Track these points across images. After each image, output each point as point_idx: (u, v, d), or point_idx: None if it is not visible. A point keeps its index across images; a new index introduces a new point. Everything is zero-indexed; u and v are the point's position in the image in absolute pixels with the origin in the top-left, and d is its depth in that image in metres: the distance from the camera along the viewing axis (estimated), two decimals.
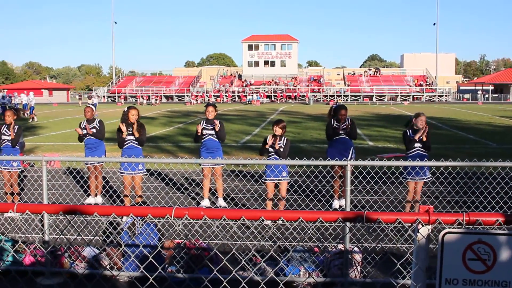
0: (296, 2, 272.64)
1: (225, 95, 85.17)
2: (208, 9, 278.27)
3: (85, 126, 11.49)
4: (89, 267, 6.92)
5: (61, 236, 8.61)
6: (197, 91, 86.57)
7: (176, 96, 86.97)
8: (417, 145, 9.56)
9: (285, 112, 48.82)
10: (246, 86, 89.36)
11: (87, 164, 11.43)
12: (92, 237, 8.60)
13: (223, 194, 11.30)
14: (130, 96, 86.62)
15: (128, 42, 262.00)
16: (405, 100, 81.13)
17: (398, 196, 11.44)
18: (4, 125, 10.96)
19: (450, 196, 11.19)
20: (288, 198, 10.67)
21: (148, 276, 3.77)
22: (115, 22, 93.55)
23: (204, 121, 10.94)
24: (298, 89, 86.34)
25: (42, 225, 9.11)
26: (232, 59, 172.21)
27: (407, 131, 9.80)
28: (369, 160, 10.48)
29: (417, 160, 9.30)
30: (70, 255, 7.10)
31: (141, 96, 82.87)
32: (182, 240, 7.22)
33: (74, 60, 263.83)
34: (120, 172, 10.09)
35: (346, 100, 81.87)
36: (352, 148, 10.84)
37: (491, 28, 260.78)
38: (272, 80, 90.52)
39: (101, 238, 8.51)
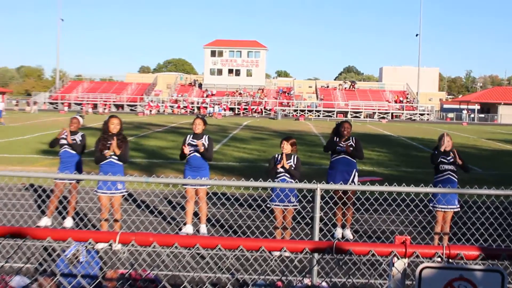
0: (266, 6, 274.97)
1: (183, 106, 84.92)
2: (167, 9, 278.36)
3: (66, 135, 11.32)
4: None
5: None
6: (152, 100, 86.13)
7: (127, 105, 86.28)
8: (449, 167, 9.72)
9: (250, 127, 48.94)
10: (207, 96, 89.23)
11: (56, 180, 11.12)
12: (23, 265, 8.38)
13: (206, 221, 11.13)
14: (75, 103, 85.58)
15: (76, 42, 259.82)
16: (383, 117, 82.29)
17: (381, 225, 11.52)
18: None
19: (430, 226, 11.28)
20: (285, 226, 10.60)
21: None
22: (62, 19, 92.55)
23: (191, 136, 10.86)
24: (265, 101, 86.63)
25: None
26: (192, 66, 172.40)
27: (434, 152, 9.93)
28: (341, 184, 10.62)
29: (448, 187, 9.45)
30: None
31: (87, 104, 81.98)
32: (127, 270, 7.10)
33: (12, 60, 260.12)
34: (95, 192, 9.88)
35: (318, 116, 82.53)
36: (355, 170, 10.88)
37: (478, 43, 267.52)
38: (237, 91, 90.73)
39: (33, 266, 8.30)
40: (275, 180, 9.61)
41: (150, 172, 17.38)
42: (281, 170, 9.66)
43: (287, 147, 9.75)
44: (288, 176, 9.65)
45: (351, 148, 10.80)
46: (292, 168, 9.63)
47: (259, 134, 39.68)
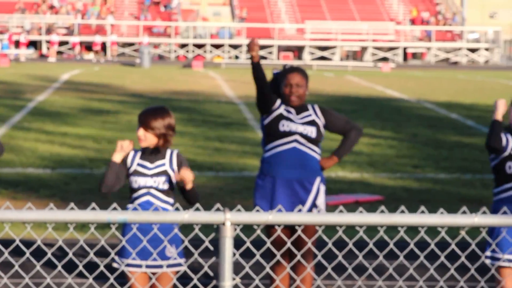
0: None
1: None
2: None
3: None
4: None
5: None
6: None
7: None
8: None
9: (78, 87, 26.95)
10: None
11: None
12: None
13: None
14: None
15: None
16: (385, 59, 45.05)
17: None
18: None
19: None
20: None
21: None
22: None
23: None
24: (112, 26, 48.76)
25: None
26: None
27: (499, 135, 4.82)
28: (280, 210, 4.65)
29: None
30: None
31: None
32: None
33: None
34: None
35: (237, 58, 45.24)
36: (318, 179, 5.36)
37: None
38: (44, 1, 50.48)
39: None
40: (129, 206, 4.50)
41: None
42: (143, 184, 4.45)
43: (144, 136, 4.44)
44: (158, 195, 4.47)
45: (317, 131, 5.25)
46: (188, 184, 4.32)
47: (100, 103, 21.47)
